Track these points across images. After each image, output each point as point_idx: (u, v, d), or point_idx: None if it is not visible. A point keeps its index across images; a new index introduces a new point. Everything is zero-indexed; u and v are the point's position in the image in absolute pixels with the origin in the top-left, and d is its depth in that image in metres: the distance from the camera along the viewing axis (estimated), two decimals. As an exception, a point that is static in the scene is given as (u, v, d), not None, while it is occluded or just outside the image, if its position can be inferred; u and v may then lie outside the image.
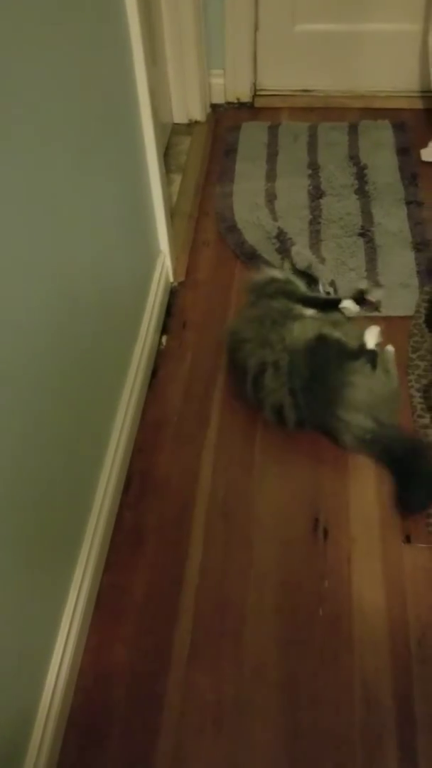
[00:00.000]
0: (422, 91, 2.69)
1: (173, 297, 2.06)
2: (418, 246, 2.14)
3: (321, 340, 1.61)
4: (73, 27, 1.20)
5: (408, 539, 1.48)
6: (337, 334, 1.65)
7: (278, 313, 1.70)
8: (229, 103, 2.84)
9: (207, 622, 1.38)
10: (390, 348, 1.75)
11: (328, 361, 1.59)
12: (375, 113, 2.72)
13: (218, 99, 2.83)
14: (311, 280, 1.86)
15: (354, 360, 1.60)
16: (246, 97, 2.83)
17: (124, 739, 1.24)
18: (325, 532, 1.50)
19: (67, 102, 1.17)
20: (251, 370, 1.63)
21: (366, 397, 1.59)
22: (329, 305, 1.79)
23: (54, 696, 1.21)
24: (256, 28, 2.64)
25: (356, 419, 1.58)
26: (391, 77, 2.74)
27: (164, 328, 1.95)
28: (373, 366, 1.62)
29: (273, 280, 1.83)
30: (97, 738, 1.24)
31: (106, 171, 1.45)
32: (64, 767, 1.21)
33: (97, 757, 1.22)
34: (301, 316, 1.71)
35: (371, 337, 1.68)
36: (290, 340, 1.62)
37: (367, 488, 1.57)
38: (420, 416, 1.68)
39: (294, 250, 2.09)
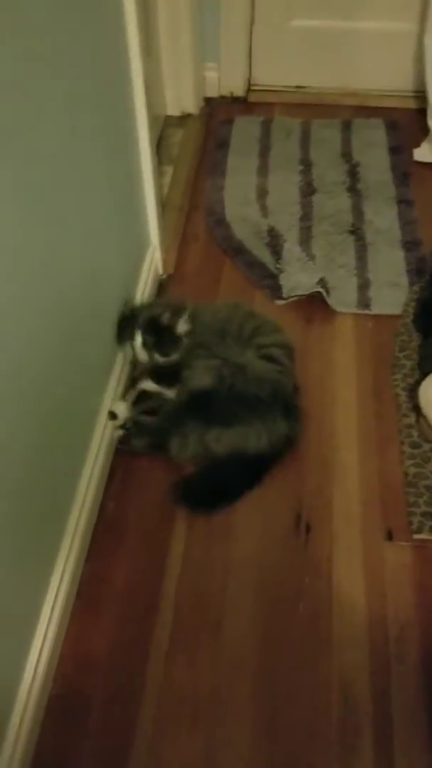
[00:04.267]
0: (415, 91, 2.69)
1: (161, 289, 2.05)
2: (408, 245, 2.14)
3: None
4: (71, 17, 1.19)
5: (390, 537, 1.48)
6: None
7: None
8: (222, 97, 2.83)
9: (187, 614, 1.38)
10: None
11: None
12: (368, 111, 2.72)
13: (212, 92, 2.82)
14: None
15: None
16: (240, 92, 2.81)
17: (101, 728, 1.24)
18: (308, 528, 1.51)
19: (59, 88, 1.16)
20: None
21: None
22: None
23: (34, 682, 1.22)
24: (252, 22, 2.63)
25: None
26: (385, 76, 2.73)
27: (152, 320, 1.94)
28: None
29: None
30: (75, 726, 1.24)
31: (99, 161, 1.44)
32: (41, 753, 1.21)
33: (74, 746, 1.22)
34: None
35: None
36: None
37: (350, 486, 1.57)
38: (405, 415, 1.68)
39: (286, 247, 2.08)
